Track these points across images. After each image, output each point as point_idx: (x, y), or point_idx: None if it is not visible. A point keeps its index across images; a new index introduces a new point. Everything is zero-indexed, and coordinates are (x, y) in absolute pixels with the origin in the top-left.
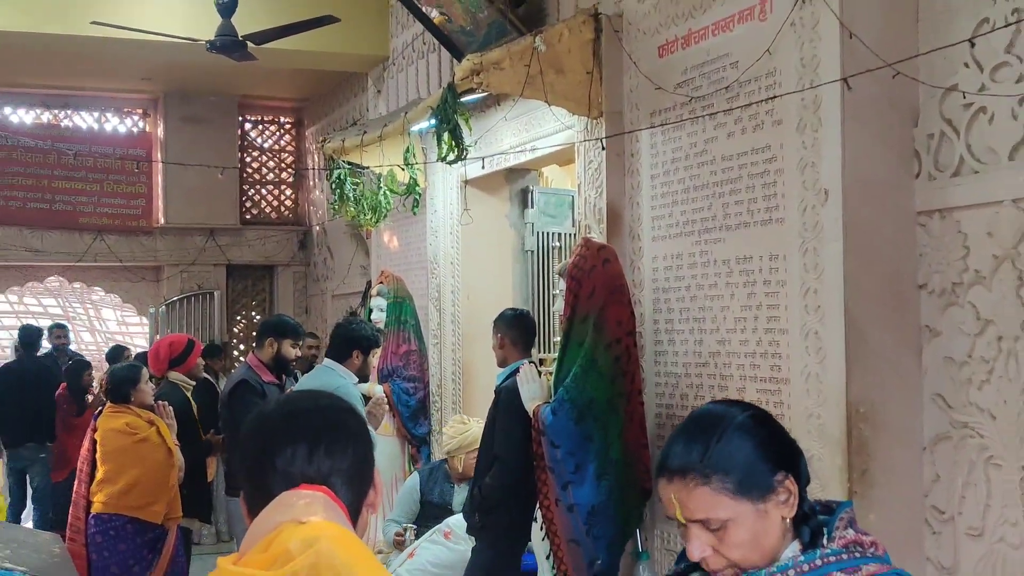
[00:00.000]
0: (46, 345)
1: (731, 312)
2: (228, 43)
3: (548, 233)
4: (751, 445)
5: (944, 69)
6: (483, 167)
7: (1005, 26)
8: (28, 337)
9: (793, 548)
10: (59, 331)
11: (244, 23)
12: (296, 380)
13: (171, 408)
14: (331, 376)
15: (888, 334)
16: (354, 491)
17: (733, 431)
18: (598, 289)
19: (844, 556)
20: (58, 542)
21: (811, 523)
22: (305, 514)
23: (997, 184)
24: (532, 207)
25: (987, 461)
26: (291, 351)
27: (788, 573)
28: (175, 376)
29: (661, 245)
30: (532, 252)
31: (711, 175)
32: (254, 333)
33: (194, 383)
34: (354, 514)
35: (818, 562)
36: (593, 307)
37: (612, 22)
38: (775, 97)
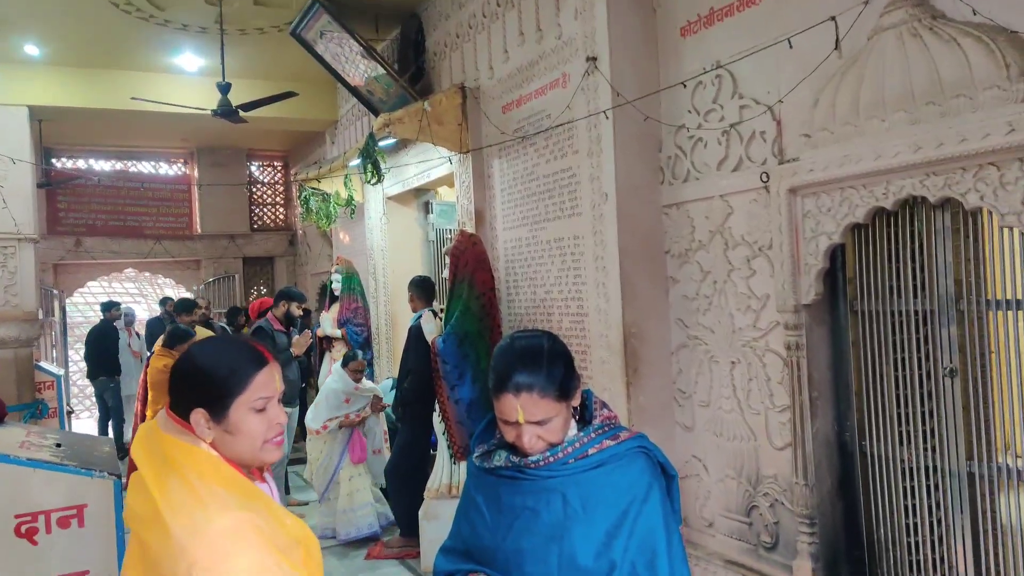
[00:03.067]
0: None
1: (551, 274)
2: (225, 111)
3: (442, 229)
4: (562, 363)
5: (676, 114)
6: (402, 187)
7: (712, 86)
8: (105, 308)
9: (573, 427)
10: (114, 309)
11: (238, 97)
12: (299, 330)
13: None
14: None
15: (647, 282)
16: None
17: (552, 356)
18: (470, 262)
19: (606, 428)
20: (109, 443)
21: (580, 406)
22: None
23: (710, 186)
24: (432, 213)
25: (710, 360)
26: (296, 311)
27: (575, 444)
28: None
29: (509, 233)
30: (433, 242)
31: (536, 187)
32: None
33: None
34: None
35: (592, 434)
36: (466, 273)
37: (473, 92)
38: (572, 135)
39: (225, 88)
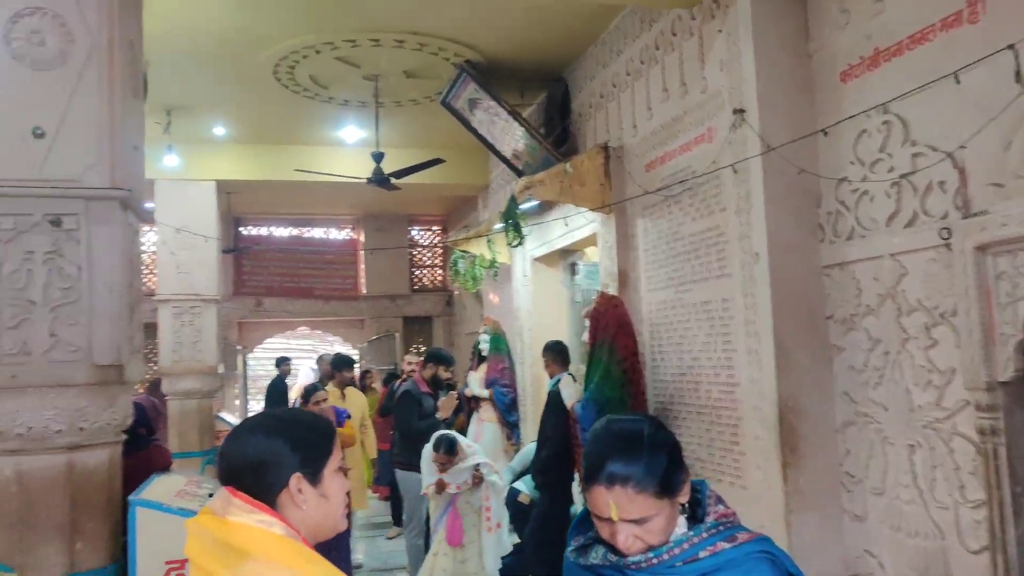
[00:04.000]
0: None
1: (699, 339)
2: (379, 179)
3: (589, 291)
4: (665, 453)
5: (837, 166)
6: (547, 248)
7: (878, 133)
8: (277, 363)
9: (682, 524)
10: (286, 364)
11: (393, 165)
12: (446, 393)
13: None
14: None
15: (806, 351)
16: None
17: (652, 445)
18: (611, 325)
19: (721, 528)
20: None
21: (690, 501)
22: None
23: (879, 244)
24: (578, 274)
25: (883, 440)
26: (444, 374)
27: (683, 545)
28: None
29: (653, 295)
30: (579, 303)
31: (682, 247)
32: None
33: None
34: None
35: (704, 534)
36: (607, 336)
37: (616, 151)
38: (719, 192)
39: (379, 157)
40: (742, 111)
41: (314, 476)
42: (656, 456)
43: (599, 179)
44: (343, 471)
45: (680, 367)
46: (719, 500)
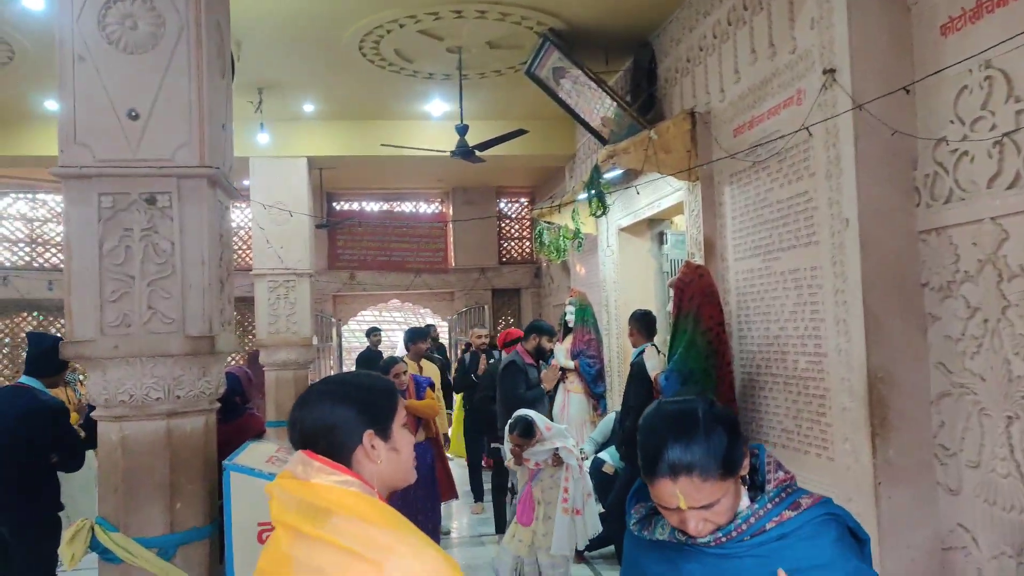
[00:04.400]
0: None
1: (787, 308)
2: (463, 152)
3: (677, 261)
4: (723, 431)
5: (935, 125)
6: (634, 218)
7: (980, 90)
8: (367, 334)
9: (745, 497)
10: (375, 335)
11: (477, 137)
12: (547, 363)
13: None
14: None
15: (898, 320)
16: None
17: (710, 425)
18: (696, 295)
19: (783, 495)
20: None
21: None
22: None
23: (979, 207)
24: (666, 243)
25: (980, 412)
26: (547, 344)
27: (750, 520)
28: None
29: (740, 264)
30: (667, 273)
31: (769, 214)
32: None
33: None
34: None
35: (768, 505)
36: (692, 306)
37: (702, 116)
38: (808, 156)
39: (463, 130)
40: (833, 71)
41: (384, 432)
42: (714, 436)
43: (685, 146)
44: (410, 427)
45: (767, 337)
46: (778, 466)
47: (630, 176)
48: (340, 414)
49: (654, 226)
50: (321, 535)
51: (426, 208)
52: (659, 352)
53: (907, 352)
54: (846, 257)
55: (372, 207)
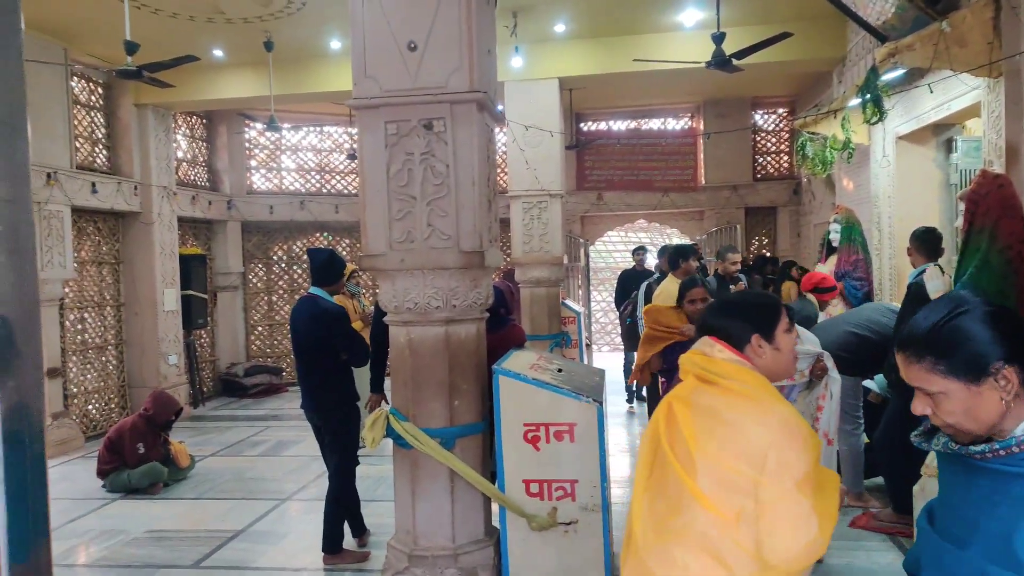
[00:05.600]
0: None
1: None
2: (719, 62)
3: (969, 171)
4: (973, 332)
5: None
6: (916, 124)
7: None
8: (634, 252)
9: (1022, 427)
10: (641, 252)
11: (734, 45)
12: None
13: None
14: None
15: None
16: None
17: (962, 318)
18: (993, 208)
19: None
20: (600, 374)
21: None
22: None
23: None
24: (955, 151)
25: None
26: (731, 267)
27: (1012, 448)
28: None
29: None
30: (955, 186)
31: None
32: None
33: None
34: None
35: None
36: (988, 221)
37: (1009, 1)
38: None
39: (719, 39)
40: None
41: (769, 335)
42: (957, 328)
43: (986, 37)
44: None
45: None
46: None
47: (914, 76)
48: (734, 325)
49: (940, 132)
50: (717, 383)
51: (675, 124)
52: (943, 273)
53: None
54: None
55: (619, 126)
